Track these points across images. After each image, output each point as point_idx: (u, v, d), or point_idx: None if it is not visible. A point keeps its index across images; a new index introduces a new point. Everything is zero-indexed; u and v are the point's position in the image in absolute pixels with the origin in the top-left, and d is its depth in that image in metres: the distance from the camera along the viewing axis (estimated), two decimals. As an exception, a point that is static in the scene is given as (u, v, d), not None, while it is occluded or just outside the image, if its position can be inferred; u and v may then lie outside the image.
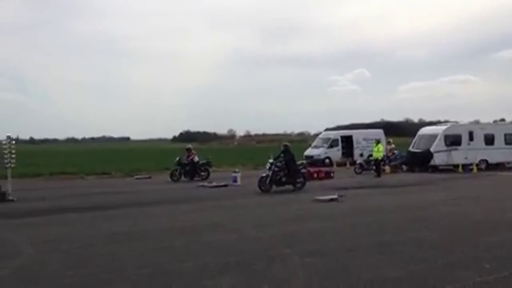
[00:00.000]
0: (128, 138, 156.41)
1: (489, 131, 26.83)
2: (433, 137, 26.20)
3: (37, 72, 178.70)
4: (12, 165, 16.12)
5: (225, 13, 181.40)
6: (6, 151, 15.93)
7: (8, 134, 16.16)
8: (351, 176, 23.78)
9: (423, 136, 27.36)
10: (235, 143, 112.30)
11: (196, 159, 23.72)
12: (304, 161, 19.75)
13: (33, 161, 35.60)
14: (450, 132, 26.14)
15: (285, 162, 17.48)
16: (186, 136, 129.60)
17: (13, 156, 16.05)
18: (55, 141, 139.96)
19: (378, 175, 23.22)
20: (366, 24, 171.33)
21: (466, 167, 25.13)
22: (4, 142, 16.04)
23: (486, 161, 25.88)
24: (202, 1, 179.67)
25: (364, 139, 33.74)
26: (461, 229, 9.51)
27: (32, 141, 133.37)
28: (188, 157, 23.51)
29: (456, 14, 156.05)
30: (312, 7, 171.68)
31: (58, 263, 7.37)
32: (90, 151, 65.36)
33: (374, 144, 25.13)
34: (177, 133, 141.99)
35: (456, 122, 28.57)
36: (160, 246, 8.41)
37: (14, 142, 16.26)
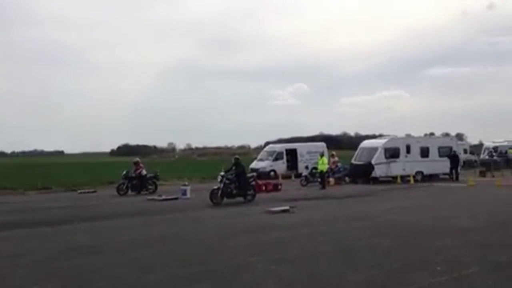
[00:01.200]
0: (62, 152, 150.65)
1: (424, 144, 28.46)
2: (373, 149, 27.46)
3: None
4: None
5: (167, 25, 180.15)
6: None
7: None
8: (297, 188, 24.39)
9: (364, 148, 28.59)
10: (176, 156, 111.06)
11: (144, 172, 23.48)
12: (255, 174, 20.10)
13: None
14: (389, 145, 27.51)
15: (236, 174, 17.78)
16: (125, 150, 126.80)
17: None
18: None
19: (323, 187, 23.98)
20: (307, 39, 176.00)
21: (404, 179, 26.50)
22: None
23: (422, 172, 27.39)
24: (145, 12, 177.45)
25: (308, 152, 34.65)
26: (410, 235, 10.18)
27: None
28: (136, 170, 23.23)
29: (393, 31, 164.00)
30: (254, 21, 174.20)
31: (21, 277, 7.25)
32: (24, 165, 62.30)
33: (319, 157, 25.94)
34: (115, 147, 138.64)
35: (395, 136, 30.03)
36: (125, 258, 8.45)
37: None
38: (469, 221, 11.93)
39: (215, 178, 31.40)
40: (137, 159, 25.05)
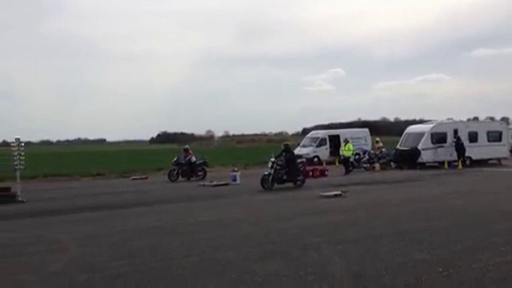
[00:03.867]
0: (104, 140, 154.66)
1: (473, 129, 28.01)
2: (420, 135, 27.27)
3: (8, 74, 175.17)
4: (22, 167, 16.38)
5: (199, 13, 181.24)
6: (15, 153, 16.18)
7: (17, 137, 16.41)
8: (342, 174, 24.58)
9: (410, 134, 28.42)
10: (215, 143, 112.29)
11: (194, 159, 24.19)
12: (304, 160, 20.42)
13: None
14: (436, 130, 27.25)
15: (286, 160, 18.16)
16: (164, 137, 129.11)
17: (22, 158, 16.32)
18: (28, 143, 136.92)
19: (346, 172, 24.27)
20: (340, 23, 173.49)
21: (451, 164, 26.24)
22: (13, 144, 16.28)
23: (470, 157, 26.99)
24: (176, 1, 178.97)
25: (351, 138, 34.61)
26: (467, 219, 10.32)
27: (5, 144, 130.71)
28: (185, 157, 23.97)
29: (430, 13, 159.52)
30: (287, 5, 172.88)
31: (107, 254, 7.87)
32: (72, 153, 64.73)
33: (344, 144, 26.07)
34: (154, 134, 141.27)
35: (450, 119, 29.62)
36: (195, 239, 8.96)
37: (23, 144, 16.52)
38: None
39: (258, 164, 32.37)
40: (187, 146, 25.82)
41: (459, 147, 26.22)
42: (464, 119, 31.02)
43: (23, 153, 16.36)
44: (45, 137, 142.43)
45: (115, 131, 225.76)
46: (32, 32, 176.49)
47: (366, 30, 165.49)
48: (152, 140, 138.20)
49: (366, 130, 37.44)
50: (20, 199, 15.94)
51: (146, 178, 26.01)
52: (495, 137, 27.83)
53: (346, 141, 26.37)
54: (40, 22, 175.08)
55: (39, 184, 23.90)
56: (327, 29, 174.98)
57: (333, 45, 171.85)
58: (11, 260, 7.69)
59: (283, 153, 18.36)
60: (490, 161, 27.84)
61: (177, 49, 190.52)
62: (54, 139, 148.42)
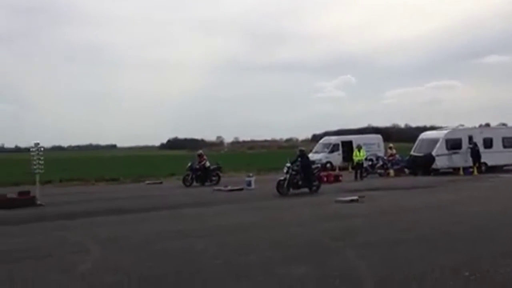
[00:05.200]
0: (114, 146, 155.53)
1: (488, 135, 27.82)
2: (434, 141, 27.14)
3: (21, 80, 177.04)
4: (41, 171, 16.59)
5: (211, 21, 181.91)
6: (34, 158, 16.39)
7: (36, 142, 16.63)
8: (355, 180, 24.51)
9: (424, 140, 28.31)
10: (225, 149, 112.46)
11: (208, 164, 24.29)
12: (319, 165, 20.45)
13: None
14: (451, 136, 27.12)
15: (302, 166, 18.19)
16: (174, 143, 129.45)
17: (41, 162, 16.52)
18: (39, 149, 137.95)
19: (355, 178, 24.34)
20: (351, 31, 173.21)
21: (467, 170, 26.09)
22: (32, 149, 16.51)
23: (485, 163, 26.80)
24: (189, 8, 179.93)
25: (364, 144, 34.54)
26: (488, 225, 10.27)
27: (17, 149, 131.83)
28: (200, 162, 24.08)
29: (440, 21, 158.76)
30: (298, 15, 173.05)
31: (132, 256, 7.98)
32: (86, 158, 65.22)
33: (356, 150, 26.05)
34: (164, 140, 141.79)
35: (462, 125, 29.48)
36: (217, 242, 9.02)
37: (42, 149, 16.74)
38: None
39: (271, 170, 32.44)
40: (201, 151, 25.92)
41: (475, 154, 26.07)
42: (476, 125, 30.82)
43: (42, 158, 16.55)
44: (57, 143, 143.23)
45: (126, 137, 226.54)
46: (44, 39, 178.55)
47: (377, 38, 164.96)
48: (162, 146, 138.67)
49: (379, 136, 37.38)
50: (39, 202, 16.12)
51: (161, 183, 26.16)
52: (510, 143, 27.62)
53: (359, 147, 26.35)
54: (52, 29, 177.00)
55: (55, 189, 24.11)
56: (338, 37, 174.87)
57: (344, 52, 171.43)
58: (40, 262, 7.82)
59: (299, 159, 18.40)
60: (506, 167, 27.62)
61: (188, 57, 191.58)
62: (65, 144, 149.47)
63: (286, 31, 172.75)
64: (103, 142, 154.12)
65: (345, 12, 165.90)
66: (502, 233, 9.22)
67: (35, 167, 16.41)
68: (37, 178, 16.65)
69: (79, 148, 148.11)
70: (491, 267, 6.63)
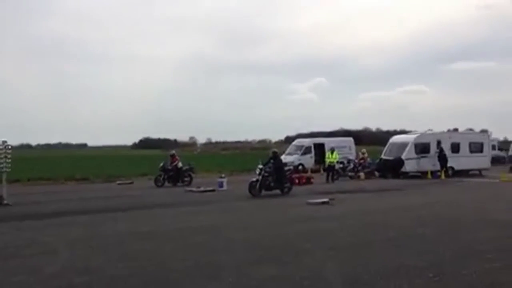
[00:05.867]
0: (85, 145, 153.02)
1: (455, 139, 28.58)
2: (404, 145, 27.71)
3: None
4: (8, 170, 16.23)
5: (184, 19, 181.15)
6: (1, 156, 16.03)
7: (3, 139, 16.26)
8: (326, 182, 24.78)
9: (394, 144, 28.85)
10: (198, 150, 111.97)
11: (180, 165, 24.21)
12: (292, 167, 20.62)
13: None
14: (419, 141, 27.73)
15: (274, 167, 18.32)
16: (147, 143, 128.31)
17: (9, 160, 16.16)
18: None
19: (327, 180, 24.65)
20: (324, 34, 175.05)
21: (435, 174, 26.71)
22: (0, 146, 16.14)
23: (452, 168, 27.51)
24: (161, 6, 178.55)
25: (336, 147, 34.94)
26: (453, 227, 10.56)
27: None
28: (172, 163, 23.98)
29: (411, 26, 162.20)
30: (272, 14, 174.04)
31: (101, 257, 7.90)
32: (56, 157, 63.86)
33: (329, 152, 26.42)
34: (136, 140, 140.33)
35: (430, 129, 30.13)
36: (187, 243, 9.04)
37: (10, 147, 16.38)
38: (509, 214, 12.30)
39: (243, 171, 32.52)
40: (173, 151, 25.81)
41: (442, 158, 26.70)
42: (444, 130, 31.62)
43: (9, 156, 16.19)
44: (25, 141, 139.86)
45: (97, 136, 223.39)
46: (15, 33, 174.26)
47: (350, 40, 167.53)
48: (135, 146, 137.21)
49: (351, 139, 37.94)
50: (6, 202, 15.77)
51: (132, 183, 25.91)
52: (477, 148, 28.48)
53: (332, 150, 26.72)
54: (18, 23, 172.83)
55: (23, 188, 23.63)
56: (312, 38, 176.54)
57: (317, 54, 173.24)
58: (7, 262, 7.67)
59: (271, 160, 18.52)
60: (471, 172, 28.40)
61: (161, 55, 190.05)
62: (33, 142, 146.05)
63: (260, 32, 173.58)
64: (73, 140, 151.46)
65: (320, 14, 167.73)
66: (467, 236, 9.49)
67: (2, 165, 16.03)
68: (4, 176, 16.26)
69: (48, 146, 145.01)
70: (455, 269, 6.83)
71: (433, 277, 6.35)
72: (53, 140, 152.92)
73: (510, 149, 41.52)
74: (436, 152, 27.11)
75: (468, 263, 7.13)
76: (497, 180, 23.42)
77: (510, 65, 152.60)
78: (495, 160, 35.73)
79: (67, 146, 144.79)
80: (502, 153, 41.95)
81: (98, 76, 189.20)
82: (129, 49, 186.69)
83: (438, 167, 26.85)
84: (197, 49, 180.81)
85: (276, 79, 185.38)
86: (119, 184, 25.38)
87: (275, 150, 19.64)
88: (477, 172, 28.54)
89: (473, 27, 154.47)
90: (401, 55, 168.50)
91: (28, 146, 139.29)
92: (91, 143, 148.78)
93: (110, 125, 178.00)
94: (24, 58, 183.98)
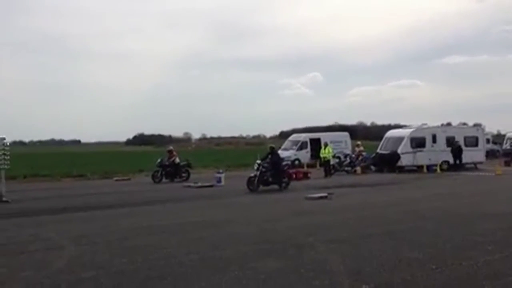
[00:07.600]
0: (79, 141, 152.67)
1: (451, 134, 28.76)
2: (399, 139, 27.92)
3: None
4: (7, 167, 16.22)
5: (179, 15, 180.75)
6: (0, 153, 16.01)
7: (1, 136, 16.23)
8: (325, 177, 24.94)
9: (390, 138, 29.04)
10: (193, 145, 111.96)
11: (177, 160, 24.26)
12: (289, 163, 20.72)
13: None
14: (415, 135, 27.94)
15: (272, 163, 18.42)
16: (141, 139, 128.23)
17: (7, 157, 16.15)
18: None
19: (325, 175, 24.73)
20: (318, 28, 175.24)
21: (430, 168, 26.91)
22: (-4, 143, 16.14)
23: (448, 162, 27.74)
24: (155, 2, 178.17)
25: (332, 142, 35.11)
26: (452, 220, 10.70)
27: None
28: (169, 158, 24.02)
29: (405, 20, 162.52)
30: (265, 10, 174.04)
31: (106, 253, 7.96)
32: (49, 154, 63.74)
33: (323, 147, 26.58)
34: (130, 136, 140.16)
35: (425, 124, 30.31)
36: (191, 238, 9.11)
37: (8, 144, 16.37)
38: (507, 206, 12.46)
39: (240, 166, 32.62)
40: (171, 147, 25.85)
41: (456, 151, 26.95)
42: (438, 124, 31.82)
43: (8, 153, 16.18)
44: (17, 138, 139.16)
45: (90, 132, 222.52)
46: (5, 29, 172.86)
47: (343, 35, 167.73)
48: (129, 142, 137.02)
49: (346, 134, 38.14)
50: (4, 199, 15.78)
51: (129, 179, 25.97)
52: (471, 142, 28.69)
53: (326, 144, 26.85)
54: (10, 18, 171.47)
55: (20, 185, 23.58)
56: (306, 34, 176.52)
57: (311, 49, 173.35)
58: (13, 258, 7.73)
59: (269, 156, 18.62)
60: (467, 165, 28.61)
61: (155, 51, 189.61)
62: (26, 139, 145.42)
63: (254, 27, 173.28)
64: (66, 137, 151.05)
65: (313, 9, 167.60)
66: (465, 228, 9.63)
67: (0, 162, 16.01)
68: (3, 173, 16.26)
69: (41, 143, 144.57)
70: (456, 260, 6.96)
71: (435, 269, 6.47)
72: (46, 137, 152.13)
73: (504, 143, 41.95)
74: (444, 145, 27.24)
75: (468, 255, 7.26)
76: (493, 174, 23.65)
77: (503, 58, 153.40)
78: (490, 154, 35.97)
79: (60, 143, 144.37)
80: (496, 147, 42.17)
81: (92, 73, 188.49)
82: (123, 44, 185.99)
83: (434, 161, 27.08)
84: (191, 45, 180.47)
85: (270, 74, 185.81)
86: (116, 180, 25.39)
87: (273, 145, 19.74)
88: (472, 165, 28.76)
89: (466, 20, 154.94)
90: (395, 49, 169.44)
91: (21, 143, 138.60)
92: (84, 139, 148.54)
93: (104, 122, 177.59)
94: (14, 53, 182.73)
